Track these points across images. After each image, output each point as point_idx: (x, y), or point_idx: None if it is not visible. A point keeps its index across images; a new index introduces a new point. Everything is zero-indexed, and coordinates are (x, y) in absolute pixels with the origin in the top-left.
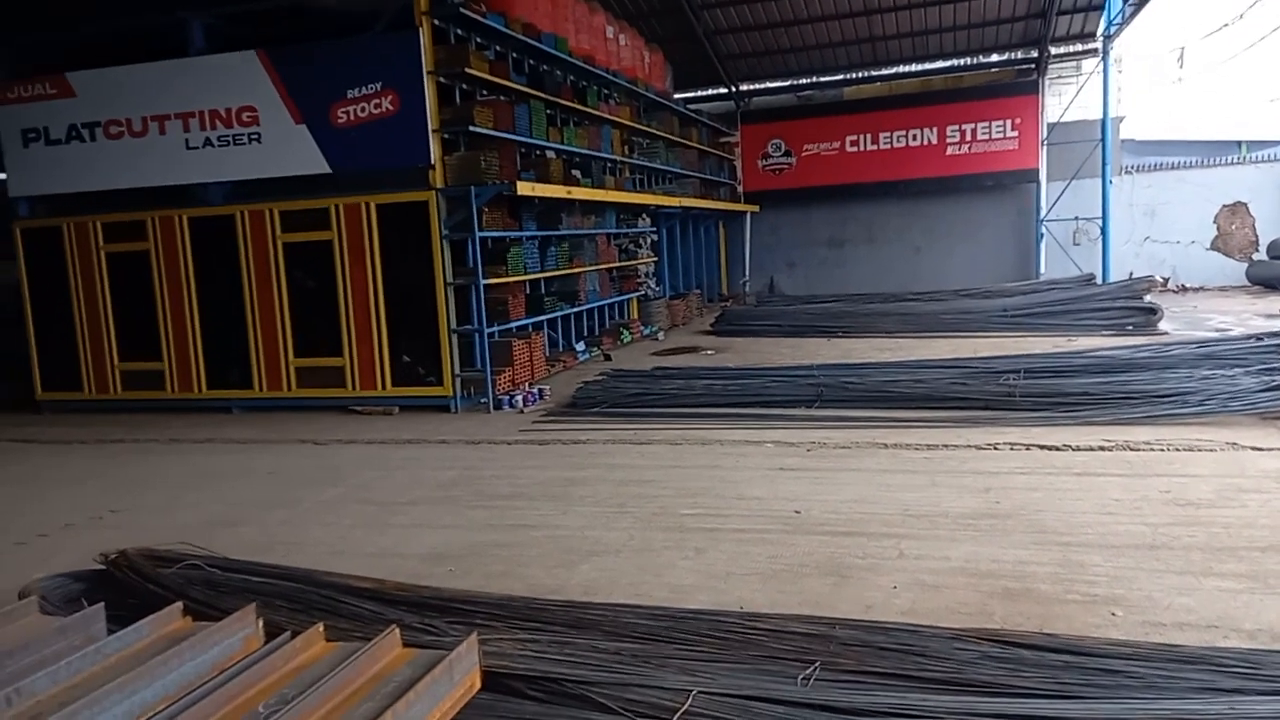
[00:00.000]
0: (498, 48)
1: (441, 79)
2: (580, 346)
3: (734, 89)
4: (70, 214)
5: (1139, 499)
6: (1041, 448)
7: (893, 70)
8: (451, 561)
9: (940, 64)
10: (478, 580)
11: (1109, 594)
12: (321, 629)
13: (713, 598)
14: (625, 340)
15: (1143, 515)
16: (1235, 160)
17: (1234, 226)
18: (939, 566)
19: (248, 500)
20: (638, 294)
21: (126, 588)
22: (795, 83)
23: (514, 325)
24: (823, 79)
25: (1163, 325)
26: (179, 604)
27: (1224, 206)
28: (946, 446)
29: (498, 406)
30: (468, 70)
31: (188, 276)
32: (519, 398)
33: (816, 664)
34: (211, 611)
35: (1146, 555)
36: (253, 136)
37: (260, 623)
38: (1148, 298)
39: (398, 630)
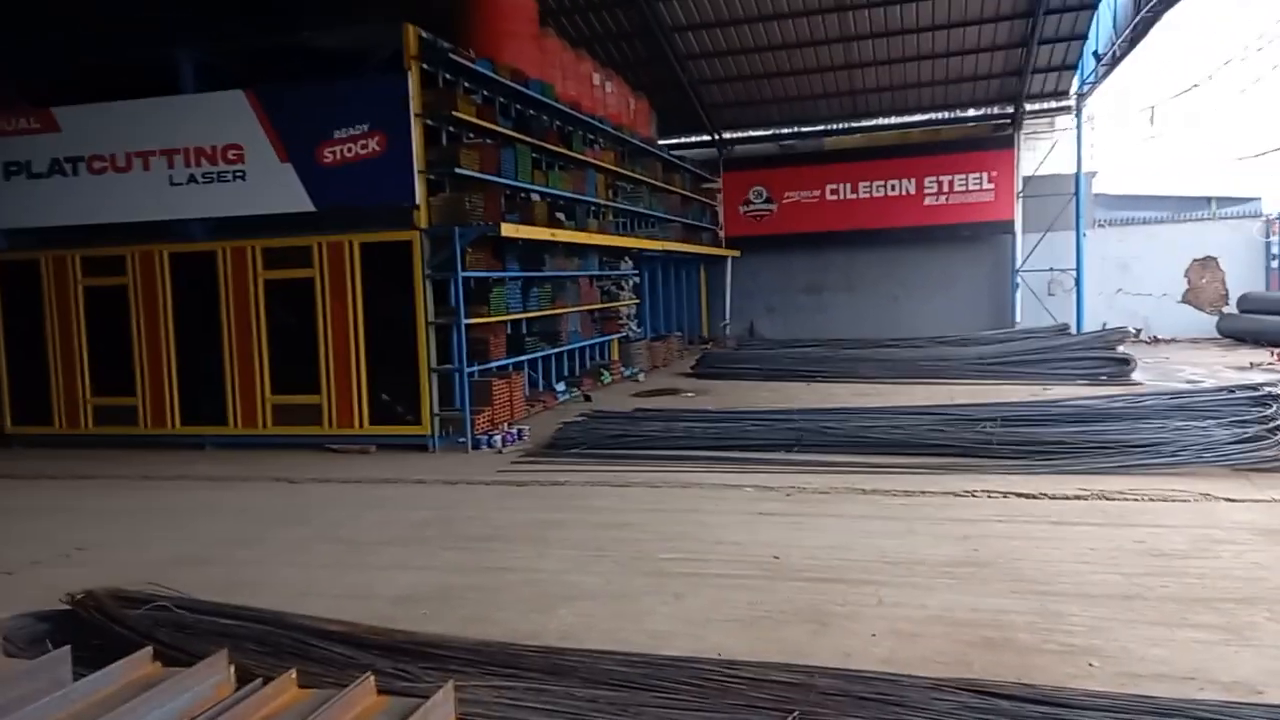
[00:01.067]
0: (485, 92)
1: (429, 121)
2: (560, 387)
3: (717, 137)
4: (49, 247)
5: (1114, 549)
6: (1019, 496)
7: (873, 122)
8: (425, 604)
9: (919, 117)
10: (452, 624)
11: (1086, 644)
12: (294, 675)
13: (691, 644)
14: (605, 381)
15: (1118, 565)
16: (1205, 216)
17: (1204, 280)
18: (917, 615)
19: (217, 538)
20: (619, 335)
21: (93, 628)
22: (777, 132)
23: (494, 365)
24: (804, 129)
25: (1136, 376)
26: (149, 648)
27: (1194, 261)
28: (924, 493)
29: (476, 446)
30: (455, 113)
31: (166, 312)
32: (498, 438)
33: (796, 713)
34: (180, 655)
35: (1122, 606)
36: (237, 174)
37: (232, 669)
38: (1121, 348)
39: (373, 677)
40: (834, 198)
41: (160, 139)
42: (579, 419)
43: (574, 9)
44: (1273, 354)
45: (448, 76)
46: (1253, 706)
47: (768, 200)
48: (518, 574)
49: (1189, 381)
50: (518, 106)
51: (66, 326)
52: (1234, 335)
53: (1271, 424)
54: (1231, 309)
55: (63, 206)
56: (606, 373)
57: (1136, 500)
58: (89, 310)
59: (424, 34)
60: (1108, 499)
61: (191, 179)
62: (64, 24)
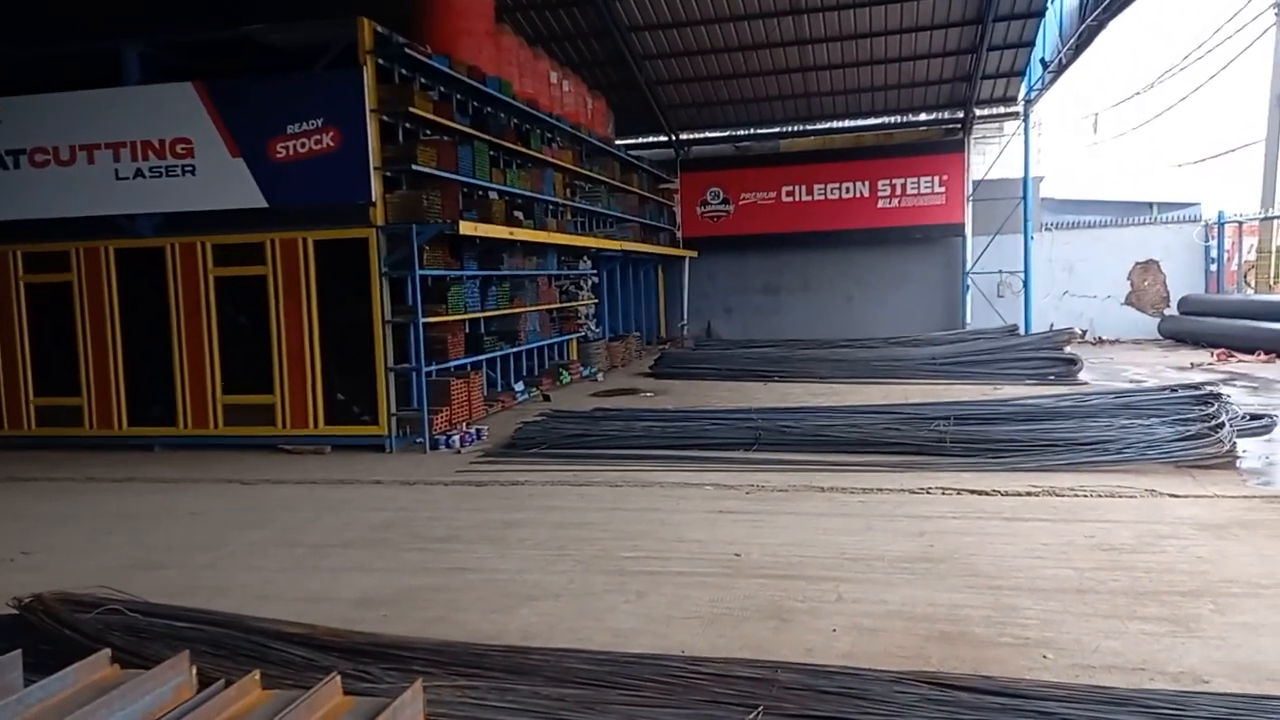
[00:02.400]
0: (442, 88)
1: (385, 118)
2: (519, 387)
3: (674, 137)
4: None
5: (1065, 544)
6: (972, 492)
7: (827, 125)
8: (385, 606)
9: (872, 121)
10: (413, 625)
11: (1040, 637)
12: (257, 676)
13: (654, 642)
14: (564, 381)
15: (1069, 560)
16: (1147, 220)
17: (1146, 283)
18: (877, 610)
19: (170, 543)
20: (578, 335)
21: (41, 634)
22: (734, 134)
23: (452, 364)
24: (760, 131)
25: (1082, 375)
26: (107, 651)
27: (1137, 264)
28: (881, 490)
29: (434, 447)
30: (411, 110)
31: (112, 309)
32: (456, 438)
33: (760, 708)
34: (134, 659)
35: (1074, 599)
36: (187, 169)
37: (194, 670)
38: (1068, 349)
39: (339, 678)
40: (790, 199)
41: (106, 132)
42: (538, 419)
43: (531, 6)
44: (1212, 354)
45: (404, 72)
46: (1201, 695)
47: (725, 201)
48: (478, 574)
49: (1133, 381)
50: (475, 104)
51: (7, 324)
52: (1175, 336)
53: (1213, 422)
54: (1173, 311)
55: (3, 200)
56: (565, 372)
57: (1085, 496)
58: (31, 308)
59: (379, 28)
60: (1057, 495)
61: (139, 173)
62: (6, 13)
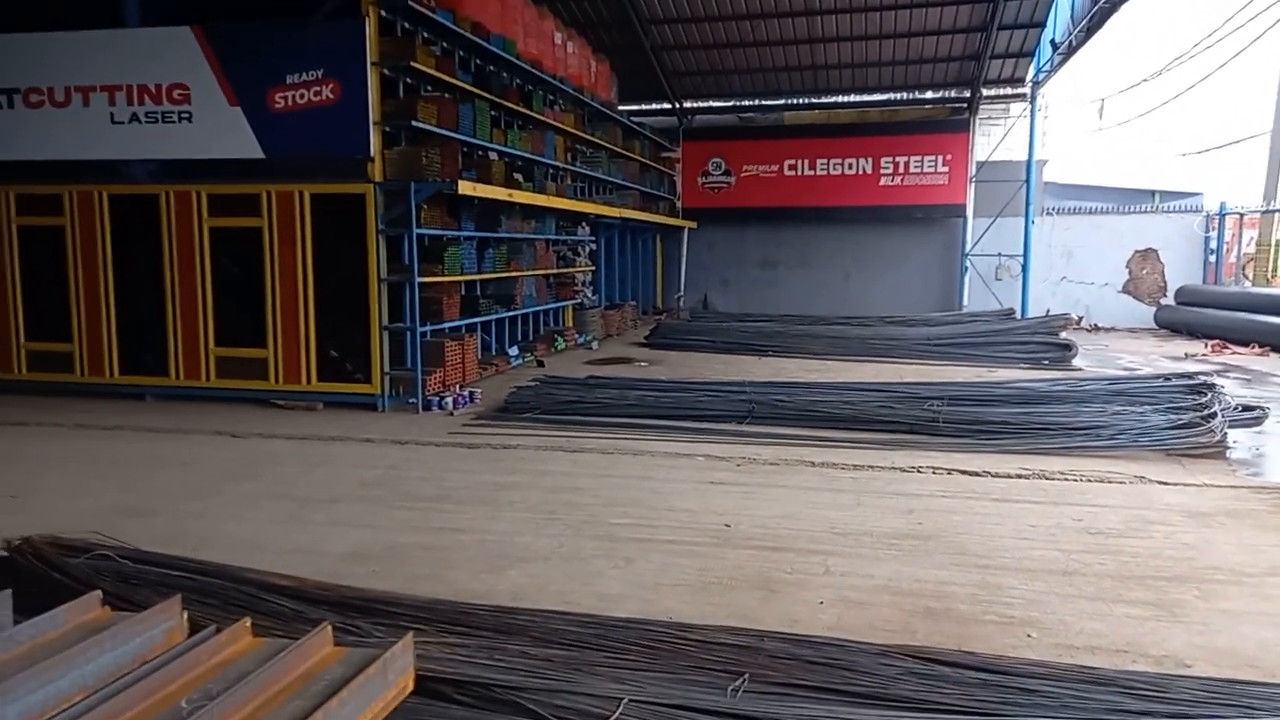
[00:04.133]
0: (445, 44)
1: (386, 71)
2: (514, 351)
3: (678, 105)
4: None
5: (1053, 526)
6: (962, 473)
7: (832, 99)
8: (373, 562)
9: (877, 96)
10: (401, 582)
11: (1025, 616)
12: (248, 624)
13: (641, 607)
14: (559, 347)
15: (1057, 542)
16: (1148, 209)
17: (1145, 272)
18: (864, 584)
19: (159, 491)
20: (574, 302)
21: (30, 576)
22: (738, 104)
23: (447, 326)
24: (765, 102)
25: (1077, 361)
26: (97, 592)
27: (1136, 252)
28: (872, 467)
29: (427, 407)
30: (413, 64)
31: (105, 256)
32: (449, 399)
33: (745, 675)
34: (124, 605)
35: (1060, 580)
36: (183, 115)
37: (185, 615)
38: (1063, 334)
39: (330, 628)
40: (792, 173)
41: (102, 74)
42: (532, 384)
43: None
44: (1207, 346)
45: (406, 25)
46: (1182, 679)
47: (726, 172)
48: (468, 535)
49: (1127, 369)
50: (478, 61)
51: (0, 267)
52: (1171, 326)
53: (1205, 412)
54: (1169, 301)
55: None
56: (560, 339)
57: (1075, 480)
58: (23, 251)
59: None
60: (1048, 478)
61: (134, 118)
62: None
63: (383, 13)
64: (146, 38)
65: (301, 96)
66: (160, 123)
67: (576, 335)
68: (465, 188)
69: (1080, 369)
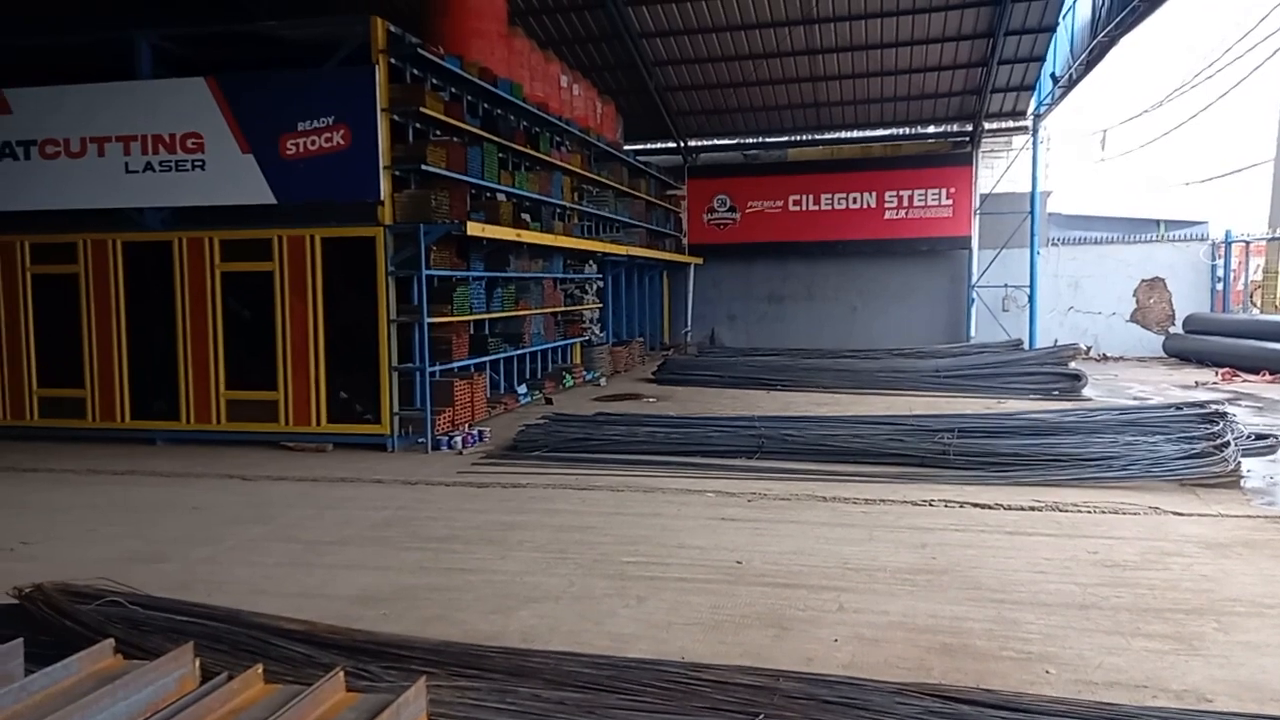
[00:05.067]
0: (453, 89)
1: (395, 117)
2: (522, 389)
3: (683, 144)
4: None
5: (1068, 559)
6: (975, 506)
7: (835, 135)
8: (384, 604)
9: (880, 132)
10: (411, 624)
11: (1042, 651)
12: (260, 670)
13: (654, 647)
14: (567, 385)
15: (1072, 575)
16: (1154, 238)
17: (1152, 301)
18: (878, 620)
19: (170, 536)
20: (582, 339)
21: (41, 624)
22: (742, 141)
23: (456, 365)
24: (768, 139)
25: (1087, 391)
26: (110, 641)
27: (1143, 281)
28: (884, 501)
29: (436, 447)
30: (422, 110)
31: (118, 302)
32: (458, 439)
33: (760, 716)
34: (135, 652)
35: (1077, 614)
36: (196, 163)
37: (197, 663)
38: (1072, 364)
39: (342, 674)
40: (796, 208)
41: (117, 125)
42: (541, 421)
43: (543, 10)
44: (1217, 374)
45: (415, 72)
46: (1204, 714)
47: (731, 209)
48: (478, 575)
49: (1138, 398)
50: (485, 105)
51: (13, 315)
52: (1180, 355)
53: (1217, 441)
54: (1178, 329)
55: (12, 191)
56: (569, 376)
57: (1089, 512)
58: (37, 299)
59: (392, 28)
60: (1061, 510)
61: (148, 167)
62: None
63: (392, 60)
64: (160, 89)
65: (313, 143)
66: (174, 171)
67: (584, 372)
68: (474, 229)
69: (1090, 399)
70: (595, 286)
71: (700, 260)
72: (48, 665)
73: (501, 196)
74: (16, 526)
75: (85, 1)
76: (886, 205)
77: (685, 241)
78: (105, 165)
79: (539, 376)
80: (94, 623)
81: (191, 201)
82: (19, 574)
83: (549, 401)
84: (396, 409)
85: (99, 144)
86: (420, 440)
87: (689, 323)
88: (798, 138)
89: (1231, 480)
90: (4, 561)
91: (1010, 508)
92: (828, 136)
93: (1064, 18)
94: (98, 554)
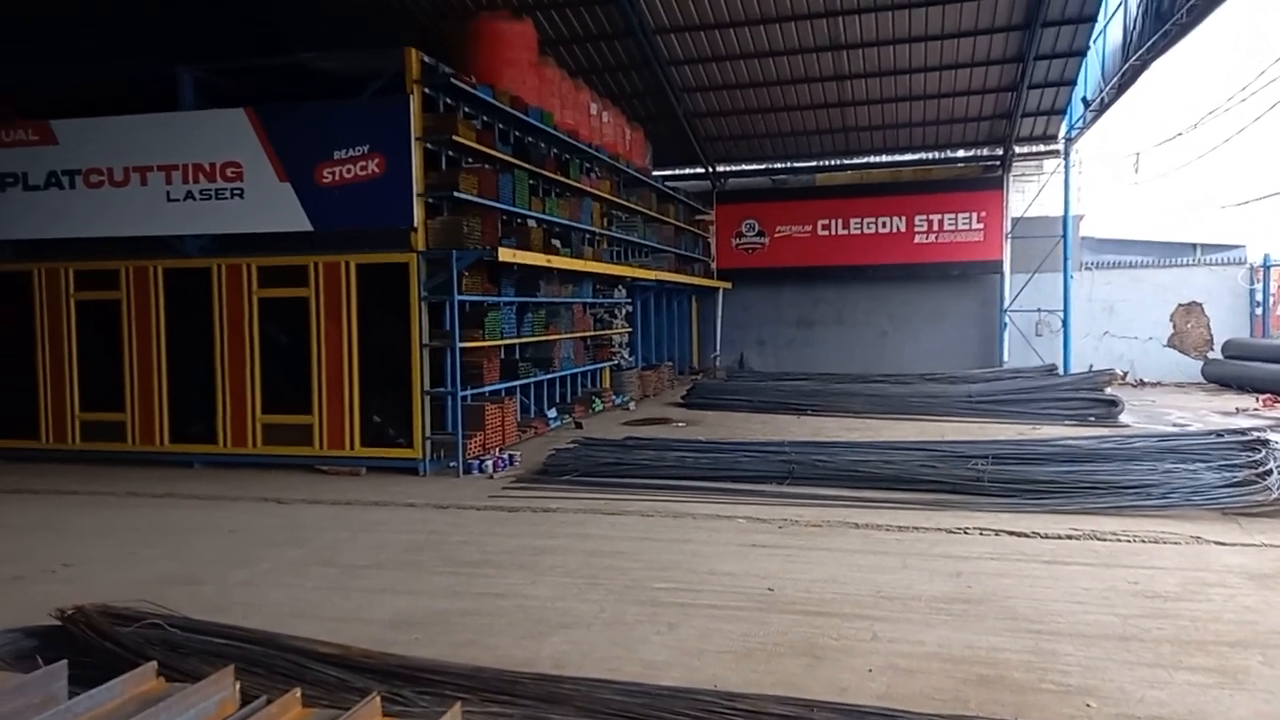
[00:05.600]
0: (485, 118)
1: (429, 145)
2: (552, 413)
3: (711, 169)
4: (42, 259)
5: (1107, 589)
6: (1010, 534)
7: (864, 160)
8: (417, 629)
9: (910, 156)
10: (444, 649)
11: (1082, 684)
12: (298, 694)
13: (686, 675)
14: (597, 409)
15: (1112, 605)
16: (1190, 262)
17: (1189, 325)
18: (913, 650)
19: (206, 558)
20: (611, 363)
21: (82, 645)
22: (770, 166)
23: (487, 389)
24: (797, 164)
25: (1124, 418)
26: (153, 664)
27: (1180, 305)
28: (917, 529)
29: (467, 471)
30: (455, 138)
31: (158, 327)
32: (489, 463)
33: None
34: (173, 674)
35: (1117, 646)
36: (235, 191)
37: (237, 686)
38: (1108, 390)
39: (379, 699)
40: (825, 233)
41: (159, 154)
42: (571, 446)
43: (573, 39)
44: (1258, 400)
45: (448, 101)
46: None
47: (760, 233)
48: (510, 600)
49: (1176, 425)
50: (517, 133)
51: (57, 340)
52: (1219, 380)
53: (1260, 469)
54: (1216, 354)
55: (57, 219)
56: (598, 400)
57: (1128, 541)
58: (80, 324)
59: (426, 58)
60: (1099, 539)
61: (189, 195)
62: (65, 39)
63: (426, 90)
64: (201, 119)
65: (348, 171)
66: (214, 199)
67: (614, 396)
68: (505, 255)
69: (1128, 425)
70: (624, 311)
71: (729, 284)
72: (90, 686)
73: (532, 222)
74: (58, 548)
75: (127, 35)
76: (916, 229)
77: (714, 266)
78: (147, 194)
79: (568, 400)
80: (134, 645)
81: (230, 229)
82: (61, 595)
83: (579, 426)
84: (428, 433)
85: (141, 173)
86: (451, 464)
87: (718, 347)
88: (826, 162)
89: (1275, 509)
90: (46, 583)
91: (1047, 536)
92: (856, 161)
93: (1095, 41)
94: (137, 576)
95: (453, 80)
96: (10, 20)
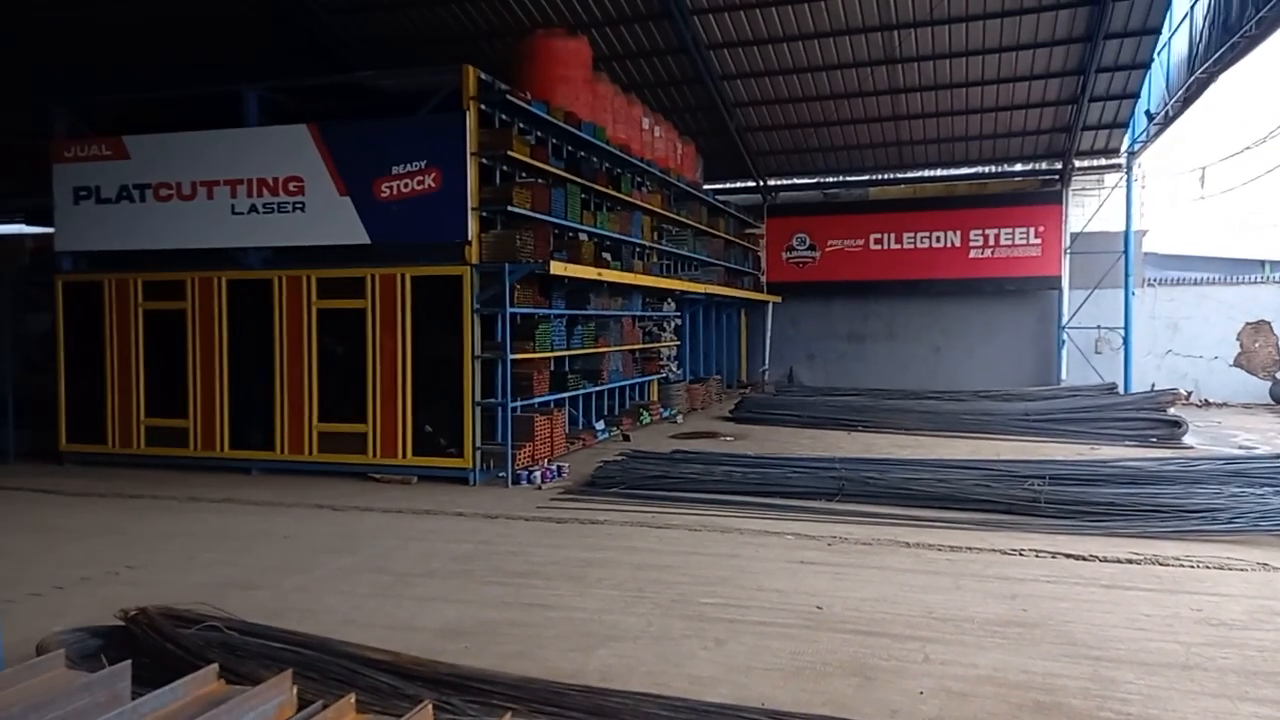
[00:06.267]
0: (539, 133)
1: (484, 160)
2: (600, 425)
3: (762, 183)
4: (112, 270)
5: (1170, 616)
6: (1068, 556)
7: (918, 174)
8: (466, 638)
9: (965, 170)
10: (492, 659)
11: (1143, 713)
12: (353, 700)
13: (734, 692)
14: (644, 421)
15: (1174, 633)
16: (1258, 279)
17: (1257, 345)
18: (966, 674)
19: (263, 564)
20: (659, 376)
21: (144, 646)
22: (822, 180)
23: (537, 401)
24: (849, 178)
25: (1187, 439)
26: (214, 666)
27: (1247, 324)
28: (970, 549)
29: (516, 481)
30: (509, 153)
31: (221, 337)
32: (537, 474)
33: None
34: (231, 676)
35: (1180, 675)
36: (297, 205)
37: (294, 690)
38: (1171, 410)
39: (430, 706)
40: (878, 247)
41: (225, 169)
42: (618, 458)
43: (626, 55)
44: None
45: (503, 117)
46: None
47: (810, 247)
48: (558, 611)
49: (1243, 447)
50: (569, 148)
51: (125, 348)
52: None
53: None
54: None
55: (128, 231)
56: (646, 413)
57: (1192, 567)
58: (148, 333)
59: (483, 76)
60: (1161, 564)
61: (253, 209)
62: (138, 59)
63: (482, 106)
64: (265, 135)
65: (406, 185)
66: (276, 212)
67: (661, 409)
68: (557, 268)
69: (1191, 447)
70: (673, 324)
71: (779, 298)
72: (152, 686)
73: (583, 236)
74: (122, 551)
75: (201, 54)
76: (971, 244)
77: (764, 280)
78: (213, 207)
79: (616, 413)
80: (194, 647)
81: (291, 241)
82: (124, 597)
83: (626, 438)
84: (479, 443)
85: (208, 187)
86: (501, 474)
87: (766, 361)
88: (879, 176)
89: None
90: (110, 585)
91: (1106, 560)
92: (910, 175)
93: (1159, 53)
94: (196, 579)
95: (508, 96)
96: (83, 39)
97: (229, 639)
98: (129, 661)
